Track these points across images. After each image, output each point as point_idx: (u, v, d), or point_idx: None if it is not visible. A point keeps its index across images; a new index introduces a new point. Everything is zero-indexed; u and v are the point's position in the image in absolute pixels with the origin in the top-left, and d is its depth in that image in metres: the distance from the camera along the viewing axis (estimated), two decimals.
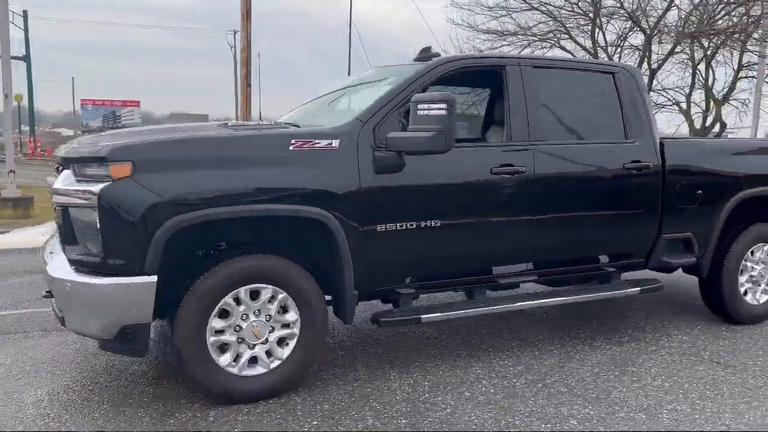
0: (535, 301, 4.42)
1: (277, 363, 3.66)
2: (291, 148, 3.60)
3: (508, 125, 4.29)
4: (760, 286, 5.31)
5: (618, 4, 15.63)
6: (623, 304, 5.83)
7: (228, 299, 3.48)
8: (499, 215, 4.19)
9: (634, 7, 15.61)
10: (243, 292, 3.52)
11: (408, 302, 4.14)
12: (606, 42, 16.97)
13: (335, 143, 3.71)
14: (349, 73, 19.37)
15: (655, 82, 16.72)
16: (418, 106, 3.64)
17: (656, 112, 18.35)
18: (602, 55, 16.81)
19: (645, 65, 16.31)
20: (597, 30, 16.80)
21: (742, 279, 5.21)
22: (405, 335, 4.86)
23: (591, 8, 16.29)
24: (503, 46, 17.10)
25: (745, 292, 5.25)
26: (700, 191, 4.86)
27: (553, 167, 4.32)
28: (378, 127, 3.85)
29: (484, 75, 4.52)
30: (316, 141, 3.68)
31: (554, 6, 16.45)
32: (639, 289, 4.71)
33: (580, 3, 16.04)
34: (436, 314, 4.04)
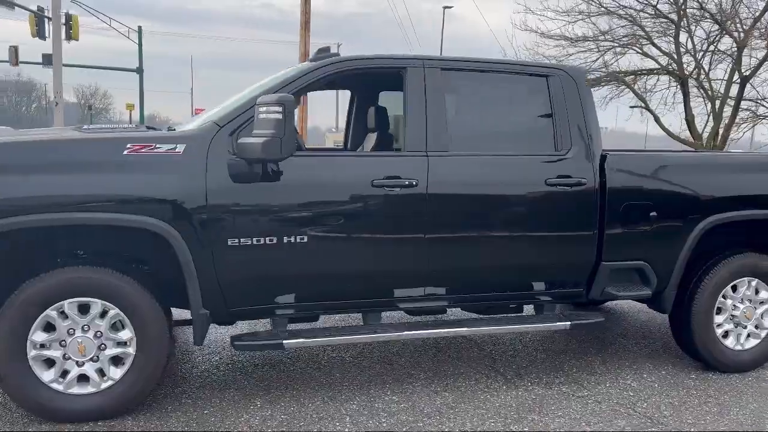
0: (426, 331, 3.91)
1: (109, 383, 3.42)
2: (125, 153, 3.37)
3: (404, 133, 3.83)
4: (745, 328, 4.45)
5: (699, 7, 14.26)
6: (598, 336, 5.12)
7: (50, 312, 3.29)
8: (384, 233, 3.73)
9: (723, 8, 14.19)
10: (68, 305, 3.31)
11: (282, 325, 3.78)
12: (694, 47, 15.55)
13: (180, 148, 3.44)
14: None
15: (749, 89, 15.10)
16: (259, 109, 3.30)
17: (756, 124, 16.61)
18: (687, 59, 15.42)
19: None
20: (685, 34, 15.43)
21: (720, 319, 4.38)
22: (315, 358, 4.48)
23: (674, 11, 14.98)
24: (579, 52, 16.15)
25: (726, 335, 4.42)
26: (654, 213, 4.13)
27: (453, 181, 3.81)
28: (238, 132, 3.54)
29: (386, 78, 4.09)
30: (157, 146, 3.42)
31: (634, 10, 15.29)
32: (569, 323, 4.06)
33: (659, 5, 14.78)
34: (300, 340, 3.65)
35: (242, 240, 3.49)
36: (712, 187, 4.25)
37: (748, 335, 4.46)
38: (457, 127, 3.93)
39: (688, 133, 15.87)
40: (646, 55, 16.05)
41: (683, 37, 15.35)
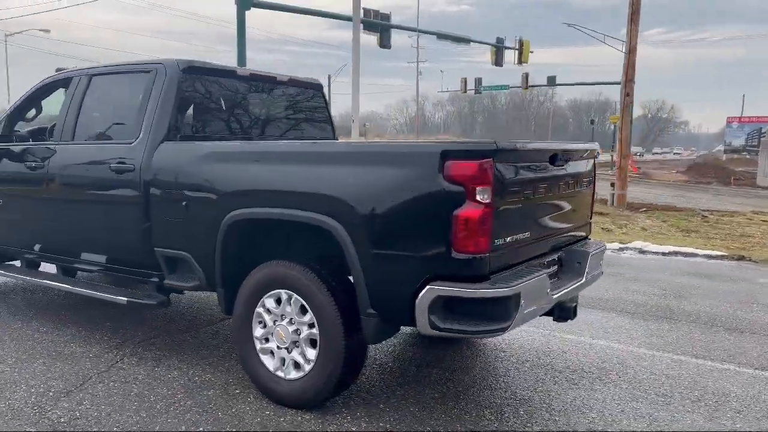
0: None
1: None
2: None
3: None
4: (289, 352, 3.66)
5: None
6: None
7: None
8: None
9: None
10: None
11: None
12: None
13: None
14: None
15: None
16: None
17: None
18: None
19: None
20: None
21: (260, 332, 3.77)
22: None
23: None
24: None
25: (274, 354, 3.75)
26: (185, 203, 4.01)
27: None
28: None
29: None
30: None
31: None
32: (126, 299, 4.37)
33: None
34: None
35: None
36: (234, 179, 3.82)
37: (297, 364, 3.65)
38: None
39: None
40: None
41: None
